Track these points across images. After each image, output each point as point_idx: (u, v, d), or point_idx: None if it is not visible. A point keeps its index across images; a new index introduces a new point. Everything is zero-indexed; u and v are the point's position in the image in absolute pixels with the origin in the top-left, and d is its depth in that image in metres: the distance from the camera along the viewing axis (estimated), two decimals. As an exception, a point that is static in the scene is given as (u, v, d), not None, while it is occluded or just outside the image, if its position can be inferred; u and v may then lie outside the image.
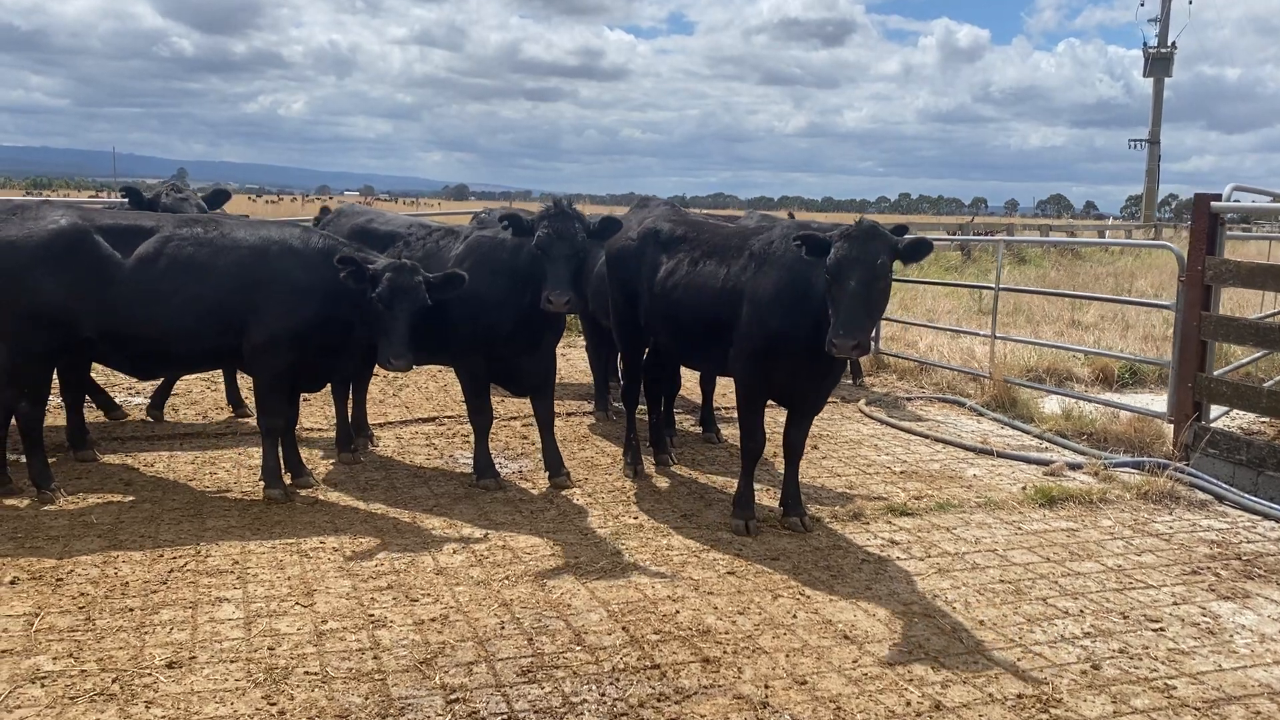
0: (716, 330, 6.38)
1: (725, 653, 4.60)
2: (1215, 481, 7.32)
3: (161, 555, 5.58)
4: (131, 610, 4.87)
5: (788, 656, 4.58)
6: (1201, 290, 7.63)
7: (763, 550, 5.95)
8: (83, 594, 5.03)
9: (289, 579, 5.32)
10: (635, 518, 6.47)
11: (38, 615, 4.77)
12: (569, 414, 9.50)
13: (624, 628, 4.83)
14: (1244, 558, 6.05)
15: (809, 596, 5.29)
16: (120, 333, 6.38)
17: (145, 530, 5.98)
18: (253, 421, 8.65)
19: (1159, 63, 54.52)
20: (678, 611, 5.03)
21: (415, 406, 9.65)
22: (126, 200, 8.76)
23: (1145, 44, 54.87)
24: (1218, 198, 7.59)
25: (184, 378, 10.41)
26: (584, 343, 10.60)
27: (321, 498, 6.72)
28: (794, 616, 5.02)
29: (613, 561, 5.69)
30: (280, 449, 6.80)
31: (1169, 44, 54.29)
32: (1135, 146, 57.26)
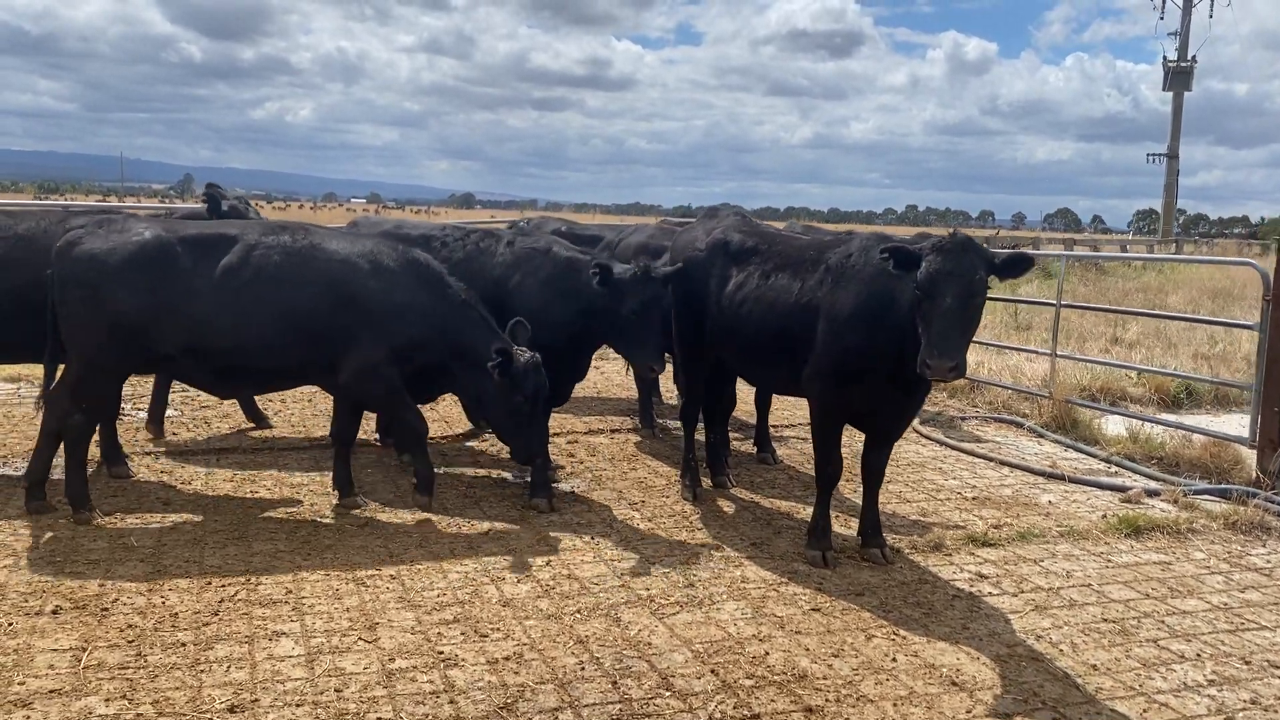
0: (789, 348, 6.03)
1: (828, 701, 4.25)
2: (1304, 511, 6.97)
3: (210, 583, 5.25)
4: (184, 645, 4.53)
5: (895, 705, 4.24)
6: (1289, 310, 7.29)
7: (845, 584, 5.60)
8: (131, 626, 4.70)
9: (348, 610, 4.98)
10: (702, 545, 6.12)
11: (85, 650, 4.44)
12: (613, 430, 9.17)
13: (713, 670, 4.49)
14: (1356, 596, 5.69)
15: (904, 637, 4.94)
16: (202, 348, 6.07)
17: (190, 555, 5.65)
18: (292, 438, 8.34)
19: (1179, 77, 54.09)
20: (767, 653, 4.68)
21: (454, 421, 9.31)
22: (206, 207, 8.46)
23: (1165, 58, 54.51)
24: (1307, 213, 7.24)
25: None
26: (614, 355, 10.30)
27: (372, 517, 6.39)
28: (893, 660, 4.67)
29: (687, 595, 5.34)
30: (342, 463, 6.65)
31: (1189, 58, 53.97)
32: (1154, 161, 56.85)
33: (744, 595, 5.38)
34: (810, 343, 5.87)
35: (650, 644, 4.73)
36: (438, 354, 6.40)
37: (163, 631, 4.66)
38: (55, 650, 4.43)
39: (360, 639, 4.67)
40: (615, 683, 4.34)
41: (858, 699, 4.28)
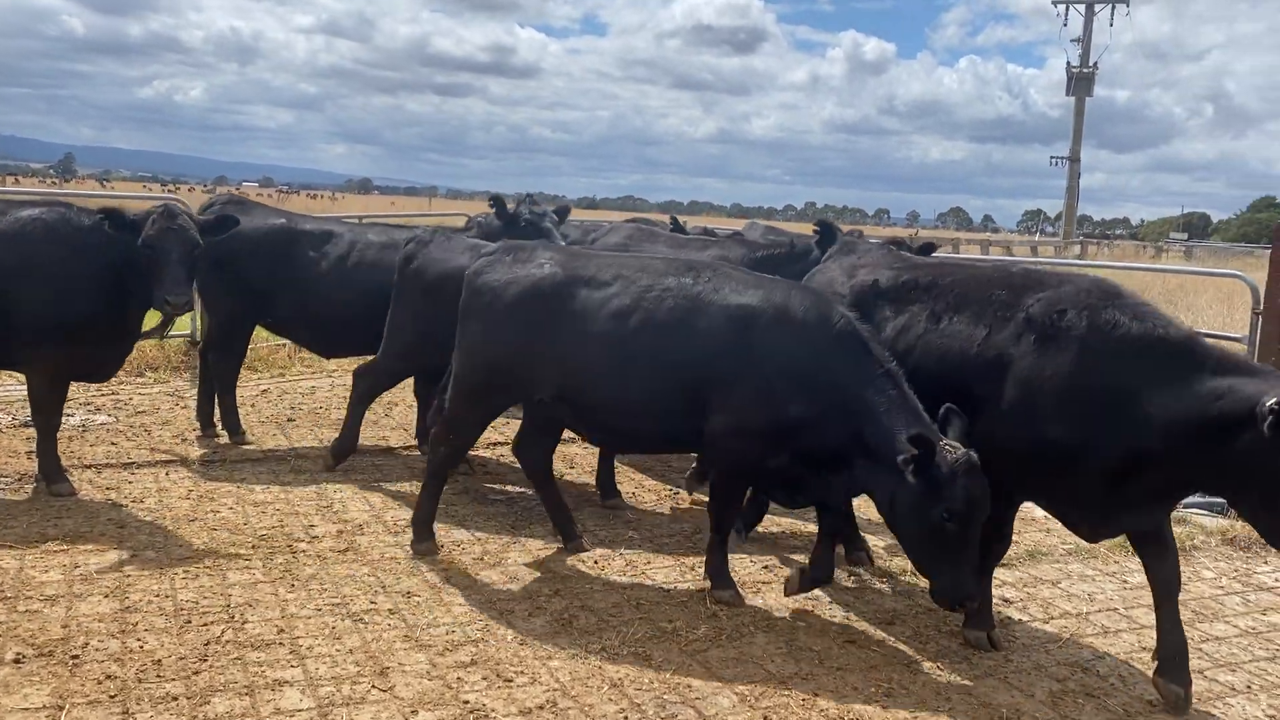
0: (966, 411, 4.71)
1: (895, 750, 3.97)
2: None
3: (189, 622, 4.71)
4: (175, 699, 4.02)
5: (967, 754, 3.97)
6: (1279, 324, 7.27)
7: (872, 612, 5.33)
8: (109, 677, 4.16)
9: (351, 653, 4.51)
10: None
11: (62, 709, 3.90)
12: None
13: (765, 717, 4.16)
14: (1374, 617, 5.65)
15: (948, 671, 4.68)
16: (580, 399, 5.40)
17: (159, 587, 5.09)
18: (245, 447, 7.75)
19: (1081, 82, 55.66)
20: (816, 694, 4.38)
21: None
22: (493, 211, 7.80)
23: (1069, 64, 56.08)
24: (1300, 227, 7.23)
25: (146, 391, 9.42)
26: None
27: (351, 541, 5.88)
28: (948, 699, 4.41)
29: (714, 628, 5.00)
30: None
31: (1091, 64, 55.60)
32: (1056, 164, 58.51)
33: (771, 626, 5.07)
34: (989, 404, 4.65)
35: (690, 685, 4.39)
36: (834, 438, 4.91)
37: (148, 683, 4.14)
38: (27, 710, 3.88)
39: (374, 687, 4.22)
40: (665, 734, 3.99)
41: (926, 747, 4.00)
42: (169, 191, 50.25)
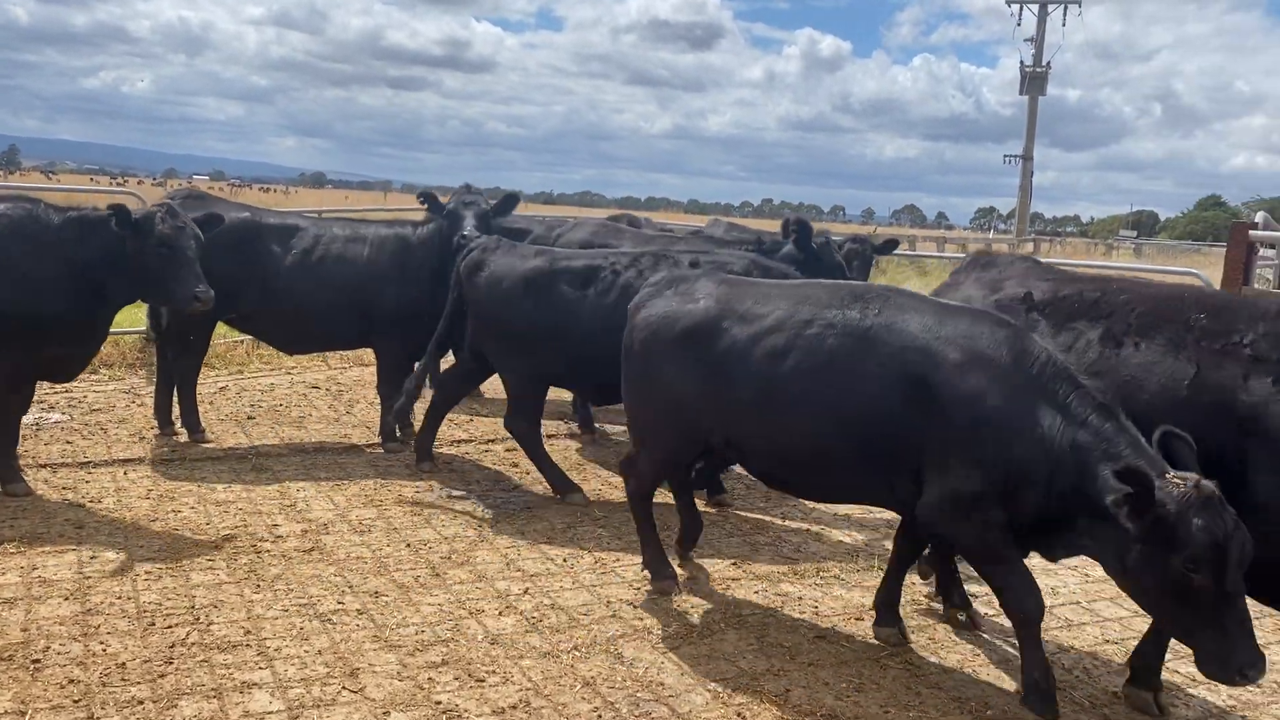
0: None
1: (868, 745, 3.99)
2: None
3: (153, 624, 4.63)
4: (141, 703, 3.95)
5: (938, 748, 4.01)
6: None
7: (841, 608, 5.36)
8: (72, 681, 4.08)
9: (320, 654, 4.46)
10: (683, 567, 5.78)
11: (24, 714, 3.82)
12: (549, 435, 8.72)
13: (739, 714, 4.17)
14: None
15: (918, 666, 4.72)
16: (744, 447, 4.92)
17: (120, 589, 5.00)
18: (205, 446, 7.63)
19: (1035, 81, 56.37)
20: (788, 690, 4.39)
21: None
22: (425, 208, 7.82)
23: (1022, 63, 56.80)
24: (1254, 226, 7.38)
25: (105, 389, 9.25)
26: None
27: (317, 541, 5.82)
28: (917, 694, 4.45)
29: (684, 624, 5.01)
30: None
31: (1044, 64, 56.34)
32: (1009, 162, 59.23)
33: (742, 623, 5.08)
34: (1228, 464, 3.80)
35: (663, 684, 4.39)
36: (1045, 492, 4.11)
37: (112, 686, 4.06)
38: (-12, 716, 3.80)
39: (344, 688, 4.17)
40: (640, 732, 3.99)
41: (898, 741, 4.03)
42: (118, 184, 49.30)
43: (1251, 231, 7.34)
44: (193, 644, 4.47)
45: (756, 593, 5.47)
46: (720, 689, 4.37)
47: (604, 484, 7.37)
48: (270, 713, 3.95)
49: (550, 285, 6.59)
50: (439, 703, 4.10)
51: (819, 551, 6.16)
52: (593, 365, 6.30)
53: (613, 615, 5.06)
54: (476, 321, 6.87)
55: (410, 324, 7.56)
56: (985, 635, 5.12)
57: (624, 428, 7.54)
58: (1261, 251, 7.96)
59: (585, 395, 8.21)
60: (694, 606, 5.23)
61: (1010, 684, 4.57)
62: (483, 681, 4.31)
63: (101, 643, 4.42)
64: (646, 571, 5.45)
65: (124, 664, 4.25)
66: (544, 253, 6.92)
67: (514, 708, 4.11)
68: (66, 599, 4.85)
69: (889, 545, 6.16)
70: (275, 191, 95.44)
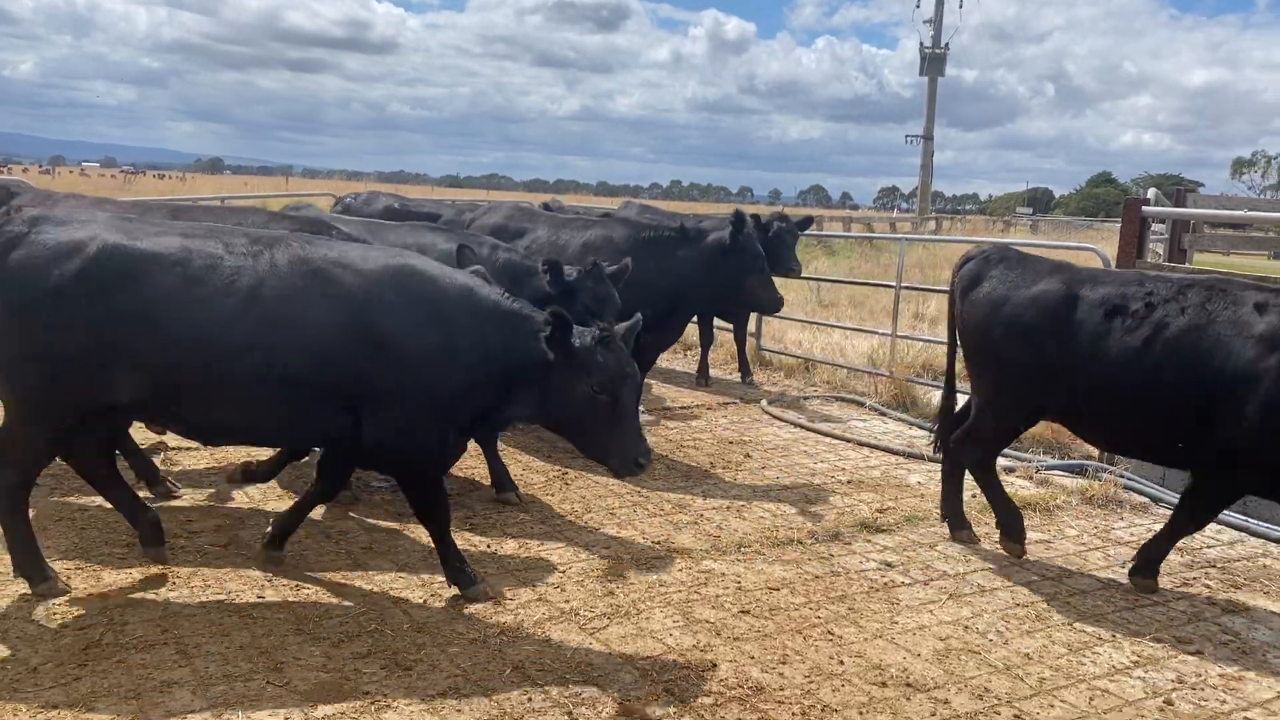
0: None
1: (794, 715, 4.08)
2: (1148, 483, 7.39)
3: (65, 627, 4.50)
4: (56, 708, 3.84)
5: (861, 714, 4.12)
6: (1129, 294, 7.66)
7: (761, 581, 5.45)
8: (-20, 688, 3.95)
9: (242, 649, 4.38)
10: (605, 546, 5.83)
11: (-70, 725, 3.69)
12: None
13: (666, 689, 4.23)
14: (1217, 565, 6.06)
15: (839, 636, 4.84)
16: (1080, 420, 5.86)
17: (28, 591, 4.83)
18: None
19: (934, 62, 57.69)
20: (715, 664, 4.46)
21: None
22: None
23: (921, 44, 58.04)
24: (1146, 202, 7.67)
25: None
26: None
27: (234, 534, 5.70)
28: (840, 662, 4.56)
29: (610, 605, 5.04)
30: None
31: (943, 45, 57.63)
32: (911, 142, 60.52)
33: (667, 600, 5.14)
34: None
35: (592, 665, 4.41)
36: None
37: (23, 690, 3.94)
38: (-109, 728, 3.66)
39: (269, 683, 4.11)
40: (571, 713, 4.01)
41: (823, 710, 4.13)
42: (4, 173, 47.33)
43: (1144, 208, 7.63)
44: (107, 645, 4.35)
45: (680, 570, 5.54)
46: (648, 666, 4.41)
47: (524, 468, 7.34)
48: (192, 711, 3.87)
49: None
50: (367, 693, 4.07)
51: (740, 528, 6.24)
52: None
53: (539, 600, 5.07)
54: None
55: None
56: (902, 604, 5.26)
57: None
58: (1154, 226, 8.25)
59: None
60: (620, 587, 5.27)
61: (928, 651, 4.72)
62: (410, 670, 4.28)
63: (11, 648, 4.28)
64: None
65: (35, 669, 4.11)
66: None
67: (444, 695, 4.10)
68: (-31, 604, 4.67)
69: (808, 522, 6.31)
70: (171, 178, 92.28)
